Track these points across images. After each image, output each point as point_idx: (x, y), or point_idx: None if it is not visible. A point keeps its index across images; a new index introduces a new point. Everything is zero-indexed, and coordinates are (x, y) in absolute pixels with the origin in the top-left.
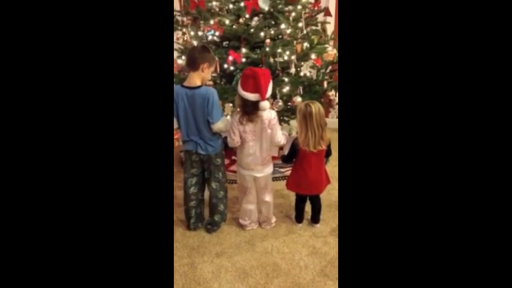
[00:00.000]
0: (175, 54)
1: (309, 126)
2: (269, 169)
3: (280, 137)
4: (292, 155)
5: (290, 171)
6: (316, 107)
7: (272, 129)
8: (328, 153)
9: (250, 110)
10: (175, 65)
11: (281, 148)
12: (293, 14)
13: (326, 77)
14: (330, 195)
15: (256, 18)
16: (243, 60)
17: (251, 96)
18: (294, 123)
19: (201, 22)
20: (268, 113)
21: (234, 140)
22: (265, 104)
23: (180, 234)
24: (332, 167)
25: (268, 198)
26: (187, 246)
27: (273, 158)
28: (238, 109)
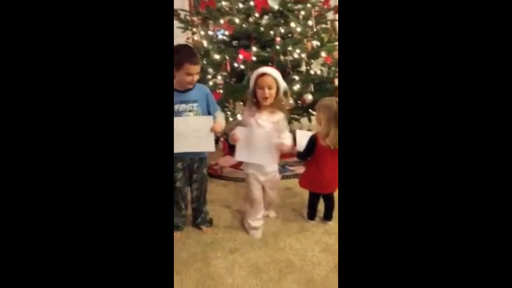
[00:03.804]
0: None
1: None
2: (275, 166)
3: (288, 134)
4: (309, 152)
5: (303, 169)
6: None
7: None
8: None
9: None
10: None
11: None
12: (303, 12)
13: (337, 75)
14: None
15: (266, 17)
16: (254, 58)
17: None
18: (304, 121)
19: (211, 22)
20: None
21: None
22: None
23: (193, 230)
24: None
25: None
26: (201, 242)
27: (285, 156)
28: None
